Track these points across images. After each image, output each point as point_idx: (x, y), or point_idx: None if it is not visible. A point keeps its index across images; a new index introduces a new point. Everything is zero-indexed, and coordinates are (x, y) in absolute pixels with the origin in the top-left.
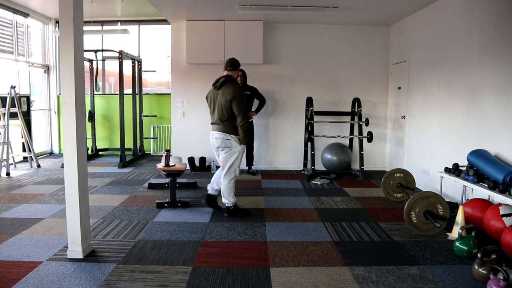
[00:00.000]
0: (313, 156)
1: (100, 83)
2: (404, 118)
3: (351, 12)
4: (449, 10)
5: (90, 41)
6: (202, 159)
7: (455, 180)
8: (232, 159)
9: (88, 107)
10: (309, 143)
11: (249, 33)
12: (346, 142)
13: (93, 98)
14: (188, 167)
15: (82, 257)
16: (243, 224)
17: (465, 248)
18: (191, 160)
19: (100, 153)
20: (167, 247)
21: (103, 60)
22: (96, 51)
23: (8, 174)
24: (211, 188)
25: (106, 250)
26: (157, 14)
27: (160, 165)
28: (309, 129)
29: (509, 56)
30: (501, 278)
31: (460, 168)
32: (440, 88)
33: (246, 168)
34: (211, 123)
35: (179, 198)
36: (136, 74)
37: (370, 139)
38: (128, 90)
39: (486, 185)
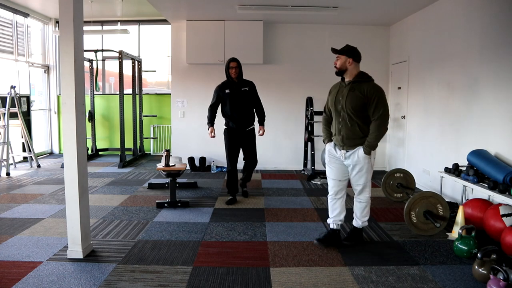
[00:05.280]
0: (313, 156)
1: (100, 83)
2: (404, 118)
3: (351, 12)
4: (449, 10)
5: (90, 41)
6: (202, 159)
7: (455, 180)
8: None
9: (88, 107)
10: (309, 143)
11: (249, 33)
12: None
13: (93, 98)
14: (188, 167)
15: (82, 257)
16: (243, 224)
17: (465, 248)
18: (191, 160)
19: (100, 153)
20: (167, 247)
21: (103, 60)
22: (96, 51)
23: (8, 174)
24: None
25: (106, 250)
26: (157, 14)
27: (160, 165)
28: (309, 129)
29: (509, 56)
30: (501, 278)
31: (460, 168)
32: (440, 88)
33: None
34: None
35: (179, 198)
36: (136, 74)
37: None
38: (128, 90)
39: (486, 185)
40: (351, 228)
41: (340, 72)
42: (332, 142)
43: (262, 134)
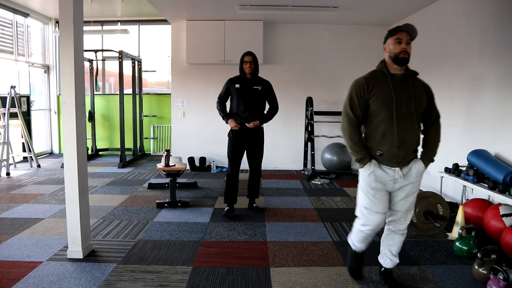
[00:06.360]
0: (313, 156)
1: (100, 83)
2: None
3: (351, 12)
4: (449, 10)
5: (90, 41)
6: (202, 159)
7: (455, 180)
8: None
9: (88, 107)
10: (309, 143)
11: (249, 33)
12: None
13: (93, 98)
14: (188, 167)
15: (82, 257)
16: (243, 224)
17: (465, 248)
18: (191, 160)
19: (100, 153)
20: (167, 247)
21: (103, 60)
22: (96, 51)
23: (8, 174)
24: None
25: (106, 250)
26: (157, 14)
27: (160, 165)
28: (309, 129)
29: (510, 56)
30: (501, 278)
31: (460, 168)
32: (440, 88)
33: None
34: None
35: (179, 198)
36: (136, 74)
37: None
38: (128, 90)
39: (486, 185)
40: (383, 271)
41: (408, 61)
42: (375, 162)
43: (250, 124)
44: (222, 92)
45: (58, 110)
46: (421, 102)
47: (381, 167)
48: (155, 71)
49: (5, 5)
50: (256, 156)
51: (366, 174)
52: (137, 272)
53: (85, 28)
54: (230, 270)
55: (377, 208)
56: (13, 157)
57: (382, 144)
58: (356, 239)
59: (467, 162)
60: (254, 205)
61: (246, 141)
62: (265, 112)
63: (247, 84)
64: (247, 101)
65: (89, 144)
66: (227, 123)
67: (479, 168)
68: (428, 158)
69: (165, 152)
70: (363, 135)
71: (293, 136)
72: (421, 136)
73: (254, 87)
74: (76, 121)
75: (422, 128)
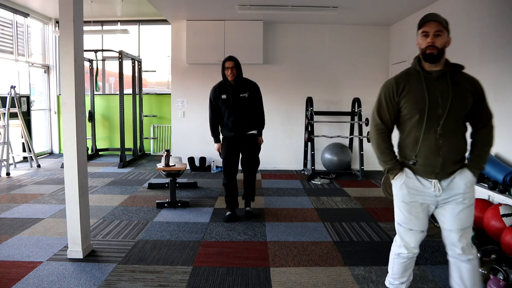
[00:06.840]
0: (313, 156)
1: (100, 83)
2: None
3: (351, 12)
4: (449, 10)
5: (90, 41)
6: (202, 159)
7: None
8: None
9: (88, 107)
10: (309, 143)
11: (249, 33)
12: (346, 142)
13: (93, 98)
14: (188, 167)
15: (82, 257)
16: (243, 224)
17: None
18: (191, 160)
19: (100, 153)
20: (167, 247)
21: (103, 60)
22: (96, 51)
23: (8, 174)
24: None
25: (106, 250)
26: (157, 14)
27: (160, 165)
28: (309, 129)
29: (509, 55)
30: (501, 278)
31: None
32: None
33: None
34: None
35: (179, 198)
36: (136, 74)
37: (370, 139)
38: (128, 90)
39: (486, 185)
40: None
41: (438, 56)
42: (409, 171)
43: (260, 144)
44: (210, 110)
45: (58, 110)
46: (464, 102)
47: (417, 177)
48: (155, 71)
49: (5, 5)
50: (250, 163)
51: (398, 187)
52: (137, 272)
53: (85, 28)
54: (230, 270)
55: (411, 225)
56: (13, 157)
57: (415, 152)
58: (394, 273)
59: None
60: (247, 208)
61: (240, 147)
62: (257, 121)
63: (232, 93)
64: (237, 112)
65: (89, 144)
66: (215, 142)
67: None
68: (476, 166)
69: (165, 152)
70: (396, 142)
71: (293, 136)
72: (469, 142)
73: (241, 95)
74: (76, 121)
75: (470, 131)
